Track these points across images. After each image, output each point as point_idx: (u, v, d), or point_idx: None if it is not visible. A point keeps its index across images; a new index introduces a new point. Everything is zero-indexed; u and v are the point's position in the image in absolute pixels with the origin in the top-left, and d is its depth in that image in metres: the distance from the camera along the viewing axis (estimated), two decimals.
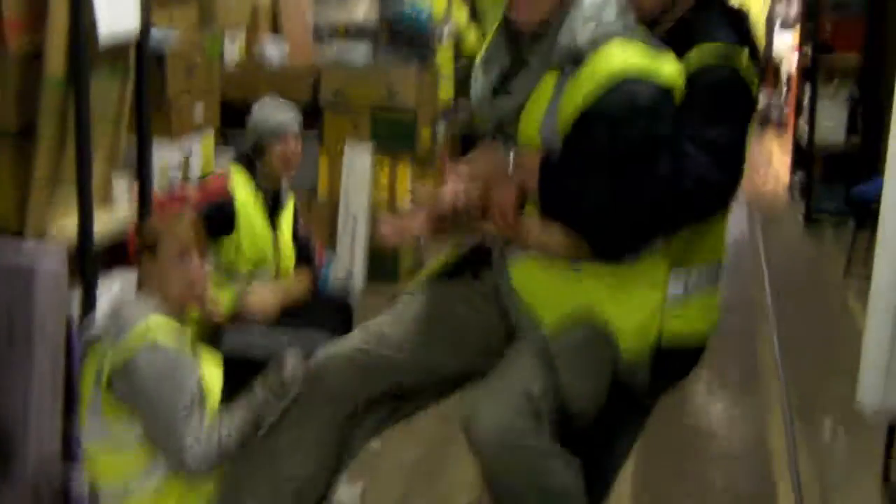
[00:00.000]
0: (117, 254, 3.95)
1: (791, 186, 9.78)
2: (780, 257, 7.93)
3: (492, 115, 2.68)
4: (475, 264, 2.81)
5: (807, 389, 5.28)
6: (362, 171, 6.51)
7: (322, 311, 4.22)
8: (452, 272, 2.87)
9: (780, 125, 12.86)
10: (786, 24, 15.54)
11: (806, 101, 9.18)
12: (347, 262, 6.49)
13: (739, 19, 2.75)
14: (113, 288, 3.76)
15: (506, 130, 2.65)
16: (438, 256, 2.94)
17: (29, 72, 3.49)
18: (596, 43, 2.51)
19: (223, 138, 6.38)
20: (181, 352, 2.92)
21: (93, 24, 3.50)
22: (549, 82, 2.54)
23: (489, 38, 2.76)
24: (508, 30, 2.66)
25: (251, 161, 4.29)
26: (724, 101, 2.60)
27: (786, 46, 14.45)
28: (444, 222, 2.70)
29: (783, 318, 6.44)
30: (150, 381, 2.84)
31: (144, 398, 2.85)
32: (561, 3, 2.55)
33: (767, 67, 16.60)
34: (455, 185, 2.65)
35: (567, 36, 2.51)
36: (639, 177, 2.51)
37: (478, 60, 2.76)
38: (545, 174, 2.55)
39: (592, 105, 2.47)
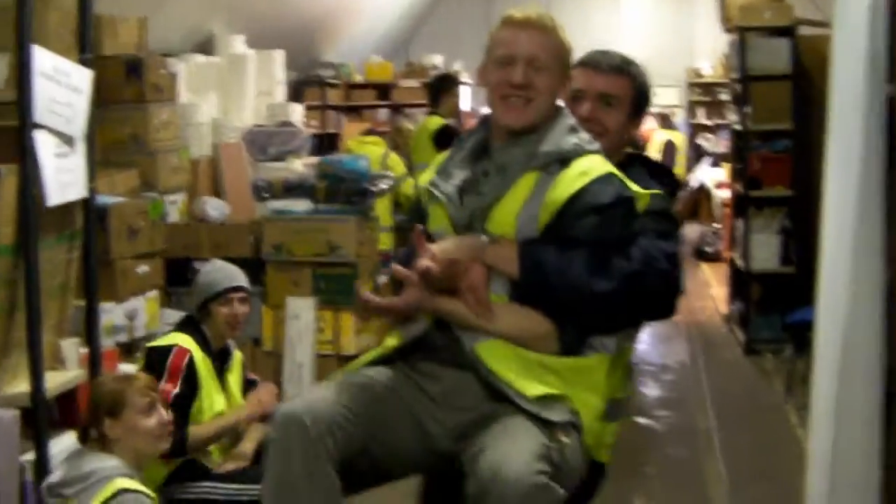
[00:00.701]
0: (67, 414, 4.01)
1: (729, 316, 9.93)
2: (722, 384, 8.04)
3: (461, 213, 2.86)
4: (411, 355, 2.90)
5: None
6: (306, 323, 6.57)
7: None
8: (388, 360, 2.93)
9: (715, 257, 13.10)
10: (716, 163, 15.98)
11: (739, 234, 9.34)
12: None
13: (664, 173, 3.05)
14: (63, 446, 3.80)
15: (473, 226, 2.82)
16: (375, 349, 3.00)
17: None
18: (578, 152, 2.82)
19: (168, 297, 6.45)
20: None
21: (41, 193, 3.61)
22: (528, 181, 2.80)
23: (440, 158, 3.07)
24: (474, 146, 2.96)
25: (196, 323, 4.38)
26: (669, 225, 2.98)
27: (716, 181, 14.80)
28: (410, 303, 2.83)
29: (728, 443, 6.52)
30: None
31: None
32: (546, 116, 2.86)
33: (700, 203, 16.99)
34: (427, 261, 2.76)
35: (552, 143, 2.82)
36: (616, 261, 2.74)
37: (429, 177, 3.00)
38: (526, 254, 2.74)
39: (583, 196, 2.74)
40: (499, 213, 2.80)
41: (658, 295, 2.85)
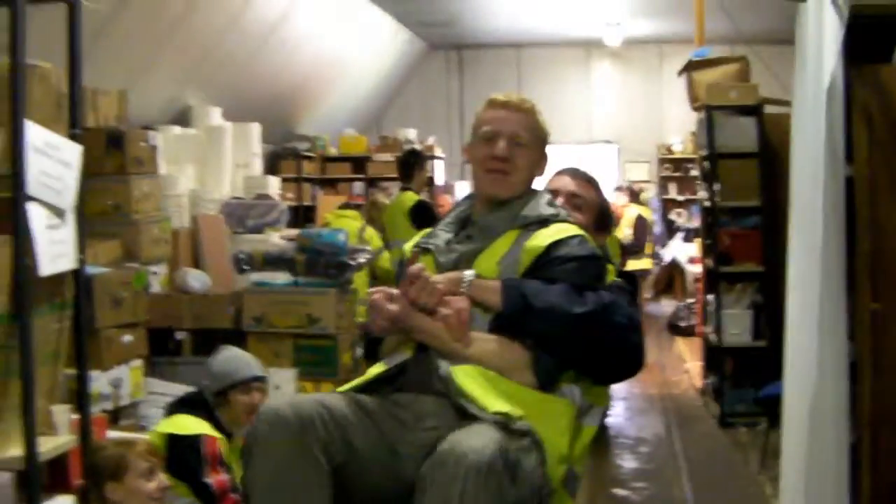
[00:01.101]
0: (57, 478, 4.09)
1: (704, 390, 10.04)
2: (697, 456, 8.11)
3: (448, 259, 3.10)
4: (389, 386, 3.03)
5: None
6: (288, 394, 6.64)
7: None
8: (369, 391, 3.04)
9: (690, 331, 13.22)
10: (688, 238, 16.15)
11: (711, 309, 9.44)
12: None
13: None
14: None
15: (459, 269, 3.04)
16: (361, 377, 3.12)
17: None
18: (557, 217, 3.13)
19: (151, 366, 6.53)
20: None
21: (34, 264, 3.71)
22: (509, 236, 3.08)
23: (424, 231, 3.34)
24: (459, 216, 3.26)
25: (204, 405, 4.47)
26: (629, 298, 3.37)
27: (689, 256, 14.97)
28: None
29: None
30: None
31: None
32: (526, 189, 3.19)
33: (674, 278, 17.18)
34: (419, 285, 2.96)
35: (533, 209, 3.12)
36: (590, 294, 2.97)
37: (415, 241, 3.30)
38: (508, 284, 2.96)
39: (562, 245, 3.03)
40: (482, 260, 3.05)
41: (622, 332, 3.02)
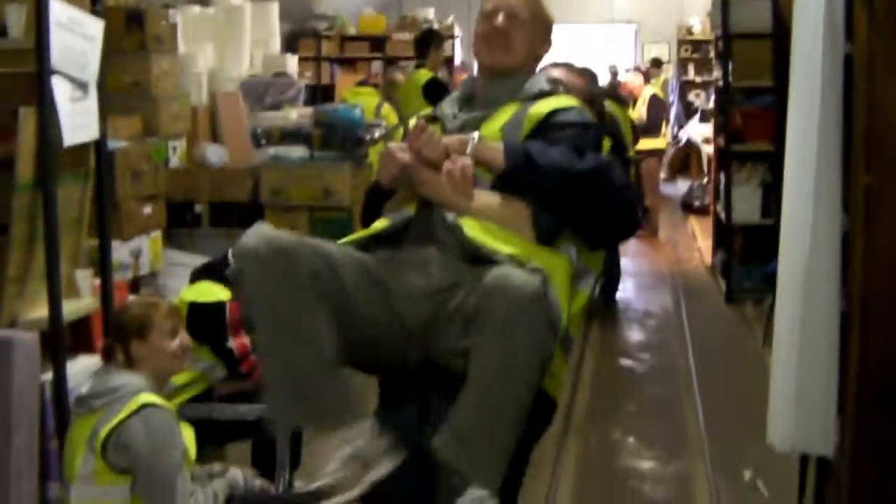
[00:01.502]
0: (80, 339, 4.29)
1: (713, 266, 10.19)
2: (703, 329, 8.32)
3: (453, 125, 3.24)
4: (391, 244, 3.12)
5: (728, 447, 5.65)
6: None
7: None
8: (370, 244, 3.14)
9: (703, 210, 13.32)
10: (704, 118, 16.15)
11: (722, 187, 9.57)
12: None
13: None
14: (77, 368, 4.08)
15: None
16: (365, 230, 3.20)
17: (0, 178, 3.86)
18: (557, 91, 3.32)
19: (169, 238, 6.71)
20: (172, 415, 3.36)
21: (58, 134, 3.87)
22: (512, 106, 3.21)
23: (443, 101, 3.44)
24: (462, 94, 3.37)
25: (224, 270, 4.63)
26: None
27: (704, 136, 15.00)
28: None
29: (706, 384, 6.81)
30: (147, 442, 3.29)
31: (141, 457, 3.28)
32: (525, 66, 3.30)
33: (690, 158, 17.23)
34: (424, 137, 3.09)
35: (535, 84, 3.28)
36: (590, 154, 3.11)
37: (422, 114, 3.46)
38: (511, 144, 3.09)
39: (564, 112, 3.19)
40: (486, 127, 3.16)
41: (619, 192, 3.15)
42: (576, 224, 3.13)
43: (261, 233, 2.92)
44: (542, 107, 3.20)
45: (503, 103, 3.24)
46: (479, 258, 2.94)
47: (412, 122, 3.40)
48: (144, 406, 3.39)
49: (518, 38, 3.26)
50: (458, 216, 3.02)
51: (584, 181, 3.05)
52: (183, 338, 3.67)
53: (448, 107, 3.36)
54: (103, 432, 3.34)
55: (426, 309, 2.95)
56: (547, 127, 3.16)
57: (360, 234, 3.18)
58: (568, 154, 3.05)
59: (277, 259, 2.83)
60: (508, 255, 2.90)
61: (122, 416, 3.37)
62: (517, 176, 3.05)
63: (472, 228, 2.99)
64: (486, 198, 3.07)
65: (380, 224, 3.16)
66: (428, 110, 3.51)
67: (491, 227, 3.02)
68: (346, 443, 2.79)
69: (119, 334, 3.58)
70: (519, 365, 2.76)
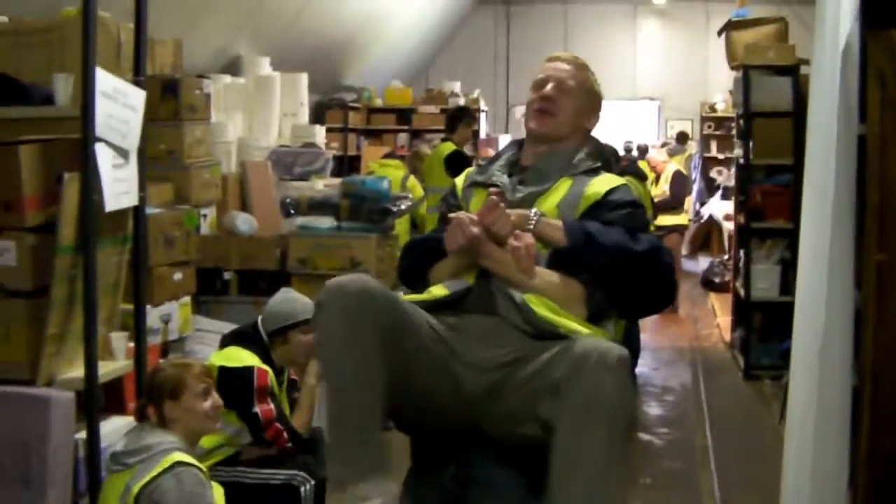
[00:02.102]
0: (112, 400, 4.41)
1: (732, 343, 10.24)
2: (721, 405, 8.37)
3: (511, 200, 3.30)
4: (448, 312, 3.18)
5: None
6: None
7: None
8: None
9: (723, 287, 13.36)
10: (726, 195, 16.25)
11: (741, 264, 9.65)
12: (321, 411, 6.87)
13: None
14: (110, 428, 4.20)
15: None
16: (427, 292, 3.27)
17: (43, 240, 4.01)
18: (608, 167, 3.43)
19: (198, 305, 6.83)
20: (204, 475, 3.49)
21: (100, 200, 4.02)
22: (565, 183, 3.33)
23: (471, 169, 3.64)
24: (508, 161, 3.48)
25: (258, 340, 4.74)
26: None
27: (726, 213, 15.08)
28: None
29: (722, 458, 6.86)
30: (178, 500, 3.41)
31: None
32: (574, 136, 3.44)
33: (711, 234, 17.32)
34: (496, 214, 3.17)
35: (586, 157, 3.39)
36: (643, 235, 3.23)
37: (463, 181, 3.52)
38: (571, 223, 3.20)
39: (617, 192, 3.30)
40: (543, 203, 3.28)
41: (669, 273, 3.30)
42: (625, 301, 3.25)
43: (357, 274, 3.03)
44: (598, 186, 3.31)
45: (554, 178, 3.34)
46: (545, 334, 3.05)
47: (458, 184, 3.52)
48: (177, 464, 3.53)
49: (565, 106, 3.40)
50: (526, 294, 3.11)
51: (642, 261, 3.17)
52: (215, 398, 3.80)
53: (498, 173, 3.44)
54: (136, 488, 3.47)
55: (488, 379, 3.04)
56: (602, 205, 3.28)
57: (423, 297, 3.24)
58: (624, 234, 3.18)
59: (362, 299, 2.89)
60: (576, 330, 3.03)
61: (154, 473, 3.50)
62: (577, 254, 3.15)
63: (540, 305, 3.10)
64: (545, 276, 3.17)
65: (440, 291, 3.23)
66: (464, 173, 3.61)
67: (551, 304, 3.12)
68: (367, 501, 2.83)
69: (153, 395, 3.72)
70: (615, 428, 2.82)
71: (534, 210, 3.22)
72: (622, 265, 3.16)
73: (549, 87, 3.40)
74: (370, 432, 2.91)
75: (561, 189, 3.32)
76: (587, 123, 3.51)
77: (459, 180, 3.55)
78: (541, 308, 3.09)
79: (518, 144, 3.56)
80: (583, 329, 3.07)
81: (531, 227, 3.18)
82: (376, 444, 2.92)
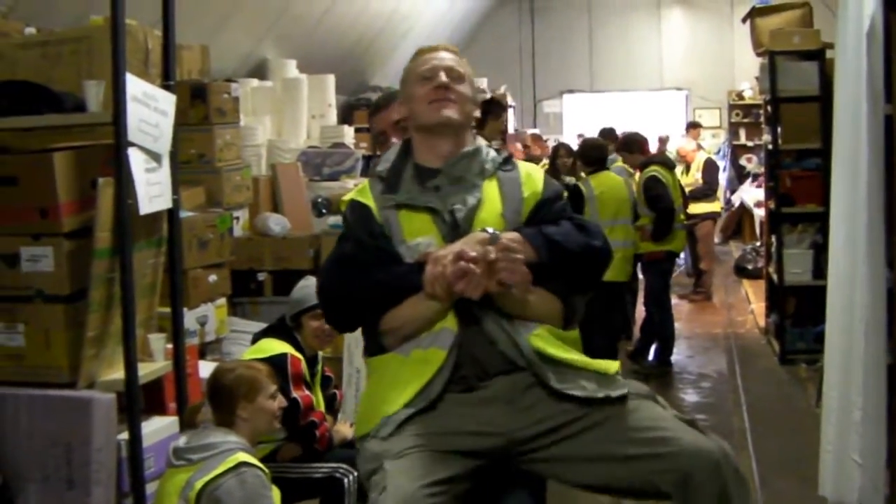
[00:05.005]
0: (151, 400, 4.47)
1: (766, 328, 10.25)
2: (757, 390, 8.41)
3: (447, 221, 3.07)
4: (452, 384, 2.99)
5: (782, 501, 5.74)
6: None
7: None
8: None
9: (756, 274, 13.34)
10: (757, 182, 16.21)
11: (774, 249, 9.69)
12: (352, 409, 6.92)
13: None
14: (151, 428, 4.26)
15: (460, 229, 3.05)
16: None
17: (79, 245, 4.07)
18: (510, 158, 3.26)
19: (232, 306, 6.89)
20: (266, 477, 3.55)
21: (134, 203, 4.08)
22: (492, 185, 3.14)
23: (366, 183, 3.31)
24: (411, 170, 3.20)
25: (289, 330, 4.78)
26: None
27: (756, 200, 15.06)
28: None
29: (760, 442, 6.92)
30: (240, 500, 3.47)
31: None
32: (468, 122, 3.23)
33: (743, 222, 17.29)
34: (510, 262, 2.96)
35: (490, 154, 3.20)
36: (587, 225, 3.15)
37: (369, 198, 3.20)
38: (531, 234, 3.02)
39: (547, 188, 3.17)
40: (484, 214, 3.07)
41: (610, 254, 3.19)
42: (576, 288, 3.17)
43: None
44: (533, 185, 3.16)
45: (476, 181, 3.13)
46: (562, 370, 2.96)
47: (370, 202, 3.18)
48: (241, 465, 3.58)
49: (462, 94, 3.19)
50: (524, 332, 2.98)
51: (601, 254, 3.12)
52: (280, 399, 3.89)
53: (405, 192, 3.14)
54: (198, 485, 3.53)
55: (533, 437, 2.92)
56: (543, 203, 3.15)
57: (414, 391, 2.97)
58: (577, 231, 3.09)
59: None
60: (604, 370, 2.96)
61: (218, 471, 3.55)
62: (547, 266, 3.01)
63: (545, 344, 2.98)
64: (532, 295, 3.01)
65: (430, 369, 2.98)
66: (357, 189, 3.32)
67: (553, 331, 3.03)
68: None
69: (221, 395, 3.78)
70: None
71: (490, 230, 2.98)
72: (588, 264, 3.10)
73: (442, 75, 3.18)
74: None
75: (491, 194, 3.12)
76: (474, 113, 3.26)
77: (370, 200, 3.18)
78: (548, 347, 2.98)
79: (405, 148, 3.27)
80: (591, 364, 3.00)
81: (492, 252, 2.91)
82: None
